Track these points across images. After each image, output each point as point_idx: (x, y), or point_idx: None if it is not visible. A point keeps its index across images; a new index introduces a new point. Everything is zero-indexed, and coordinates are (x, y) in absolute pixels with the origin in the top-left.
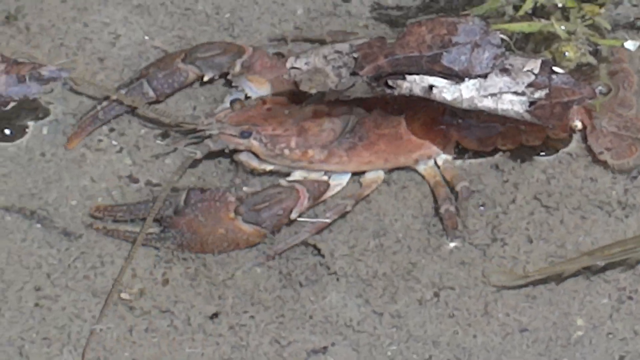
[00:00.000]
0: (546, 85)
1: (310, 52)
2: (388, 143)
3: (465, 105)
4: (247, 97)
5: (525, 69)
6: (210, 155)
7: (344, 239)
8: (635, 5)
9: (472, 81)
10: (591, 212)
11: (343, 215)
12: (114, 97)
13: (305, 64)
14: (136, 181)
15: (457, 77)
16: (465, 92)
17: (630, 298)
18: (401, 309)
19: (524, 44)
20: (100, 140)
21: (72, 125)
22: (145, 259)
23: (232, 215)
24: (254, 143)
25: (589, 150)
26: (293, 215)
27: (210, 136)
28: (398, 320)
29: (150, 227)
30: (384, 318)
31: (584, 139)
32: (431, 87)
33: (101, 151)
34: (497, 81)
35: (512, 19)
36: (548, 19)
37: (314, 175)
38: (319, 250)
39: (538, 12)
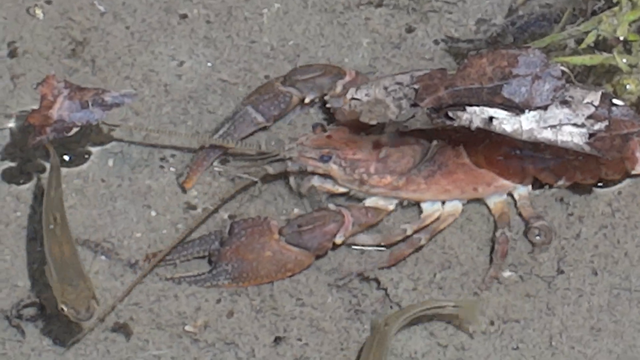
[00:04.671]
0: (606, 118)
1: (371, 83)
2: (467, 173)
3: (525, 137)
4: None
5: (585, 101)
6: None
7: (409, 272)
8: None
9: (532, 113)
10: None
11: (418, 249)
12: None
13: (366, 95)
14: (194, 208)
15: (517, 108)
16: (525, 124)
17: None
18: (465, 341)
19: (585, 77)
20: (162, 167)
21: (186, 165)
22: (210, 292)
23: (276, 236)
24: (333, 167)
25: None
26: (337, 240)
27: (290, 158)
28: (462, 352)
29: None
30: (448, 350)
31: None
32: (491, 118)
33: (165, 181)
34: (557, 113)
35: (574, 52)
36: (610, 52)
37: (381, 203)
38: (378, 283)
39: (600, 45)
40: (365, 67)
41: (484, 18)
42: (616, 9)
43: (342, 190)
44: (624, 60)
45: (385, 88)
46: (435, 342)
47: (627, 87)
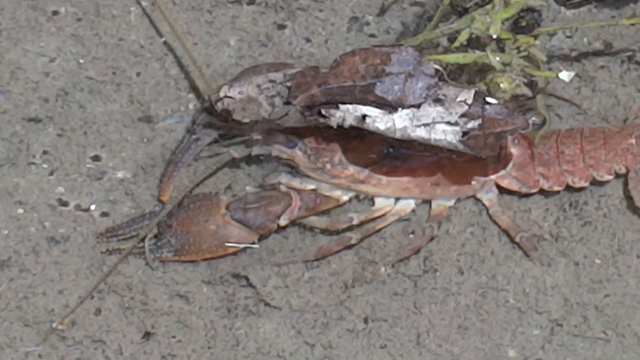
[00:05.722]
0: (479, 116)
1: (244, 80)
2: (430, 172)
3: (398, 135)
4: None
5: (458, 99)
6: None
7: (277, 270)
8: (569, 37)
9: (405, 111)
10: None
11: (347, 248)
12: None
13: (239, 93)
14: (65, 205)
15: (390, 106)
16: (398, 122)
17: (561, 328)
18: (333, 339)
19: (459, 75)
20: (31, 164)
21: (160, 174)
22: (77, 289)
23: (222, 211)
24: (298, 153)
25: (627, 195)
26: (282, 221)
27: (256, 140)
28: (330, 350)
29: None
30: (315, 349)
31: (625, 183)
32: (364, 116)
33: (34, 179)
34: (430, 111)
35: (447, 50)
36: (483, 50)
37: (337, 193)
38: (247, 280)
39: (473, 44)
40: (232, 66)
41: (356, 16)
42: (489, 7)
43: (310, 187)
44: (497, 59)
45: (259, 86)
46: (302, 340)
47: (501, 85)
